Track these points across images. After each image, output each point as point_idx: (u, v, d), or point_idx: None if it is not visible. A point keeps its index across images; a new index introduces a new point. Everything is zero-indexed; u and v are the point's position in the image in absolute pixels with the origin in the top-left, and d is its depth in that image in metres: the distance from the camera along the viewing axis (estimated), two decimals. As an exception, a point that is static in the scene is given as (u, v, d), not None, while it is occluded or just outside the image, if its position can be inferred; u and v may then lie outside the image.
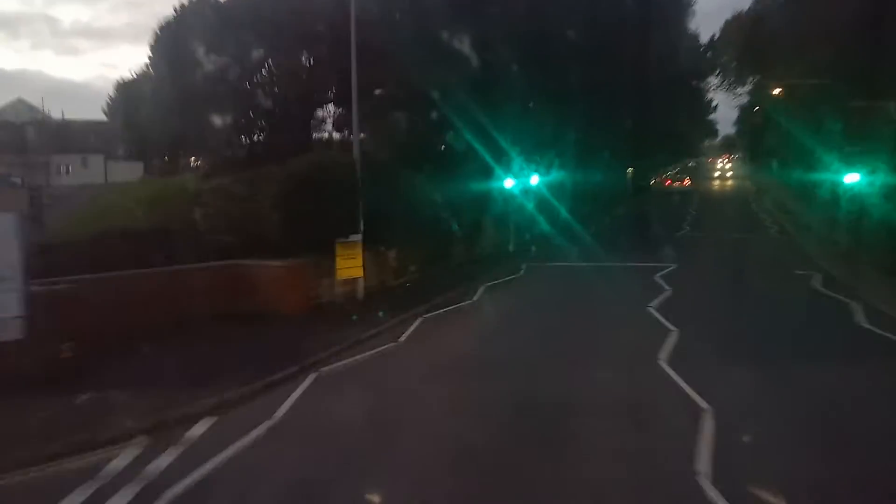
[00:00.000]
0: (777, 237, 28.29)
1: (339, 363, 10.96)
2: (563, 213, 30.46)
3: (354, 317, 13.96)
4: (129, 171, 43.92)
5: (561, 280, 19.16)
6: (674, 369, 9.84)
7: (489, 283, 18.17)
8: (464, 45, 27.27)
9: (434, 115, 24.34)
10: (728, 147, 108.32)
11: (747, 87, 65.63)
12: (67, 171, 51.09)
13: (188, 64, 19.98)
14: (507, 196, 25.75)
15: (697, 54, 59.29)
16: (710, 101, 69.89)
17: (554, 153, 30.12)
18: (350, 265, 15.77)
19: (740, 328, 13.17)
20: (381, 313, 14.32)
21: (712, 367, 10.24)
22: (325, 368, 10.64)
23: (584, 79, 31.35)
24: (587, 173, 35.68)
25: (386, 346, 12.03)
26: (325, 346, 11.66)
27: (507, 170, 25.05)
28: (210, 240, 15.48)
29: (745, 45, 52.22)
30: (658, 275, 18.74)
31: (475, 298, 16.44)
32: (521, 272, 20.46)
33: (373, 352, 11.68)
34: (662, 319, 13.44)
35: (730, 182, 71.98)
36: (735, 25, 55.31)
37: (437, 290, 16.80)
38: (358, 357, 11.34)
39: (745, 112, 76.38)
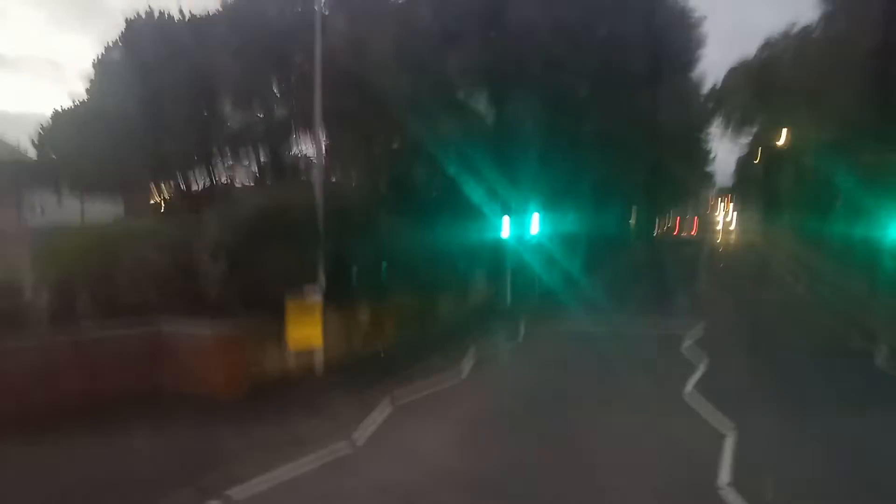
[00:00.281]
0: (811, 298, 25.17)
1: (262, 486, 7.65)
2: (567, 264, 27.42)
3: (299, 408, 10.68)
4: (111, 208, 40.84)
5: (568, 351, 15.80)
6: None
7: (482, 354, 14.91)
8: (463, 83, 24.92)
9: (426, 155, 21.67)
10: (725, 198, 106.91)
11: (749, 137, 64.17)
12: (42, 211, 48.10)
13: (134, 88, 17.13)
14: (505, 246, 22.73)
15: (699, 103, 57.44)
16: (709, 151, 68.62)
17: (557, 201, 27.28)
18: (305, 331, 12.53)
19: (812, 441, 9.87)
20: (340, 398, 11.07)
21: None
22: (238, 494, 7.35)
23: (590, 126, 29.17)
24: (590, 223, 32.83)
25: (338, 454, 8.73)
26: (244, 454, 8.40)
27: (504, 220, 22.09)
28: (130, 300, 12.26)
29: (752, 91, 50.46)
30: (684, 346, 15.55)
31: (463, 377, 13.15)
32: (521, 337, 17.18)
33: (318, 463, 8.40)
34: (708, 417, 10.23)
35: (732, 237, 69.11)
36: (741, 72, 53.65)
37: (417, 364, 13.53)
38: (294, 473, 8.04)
39: (743, 162, 74.78)
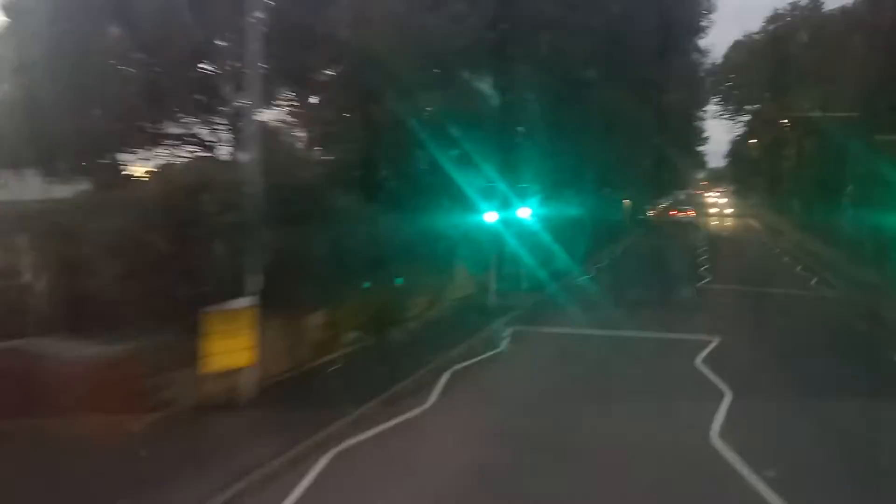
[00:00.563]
0: (830, 293, 22.48)
1: None
2: (559, 251, 24.80)
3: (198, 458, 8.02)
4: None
5: (559, 366, 13.18)
6: None
7: (456, 368, 12.29)
8: (455, 55, 22.15)
9: (408, 132, 18.88)
10: (716, 180, 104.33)
11: (748, 116, 61.51)
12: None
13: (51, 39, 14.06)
14: (492, 233, 20.07)
15: (698, 80, 54.57)
16: (702, 132, 66.16)
17: (550, 185, 24.56)
18: (229, 347, 9.81)
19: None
20: (263, 438, 8.42)
21: None
22: None
23: (589, 106, 26.57)
24: (585, 206, 30.18)
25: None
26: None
27: (491, 202, 19.38)
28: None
29: (757, 66, 47.79)
30: (699, 358, 13.01)
31: (431, 401, 10.53)
32: (504, 345, 14.54)
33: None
34: (747, 473, 7.68)
35: (730, 221, 66.39)
36: (745, 46, 50.95)
37: (377, 382, 10.89)
38: None
39: (738, 142, 72.08)
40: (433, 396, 10.76)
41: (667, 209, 71.75)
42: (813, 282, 24.70)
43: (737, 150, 74.90)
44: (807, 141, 42.49)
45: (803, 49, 43.13)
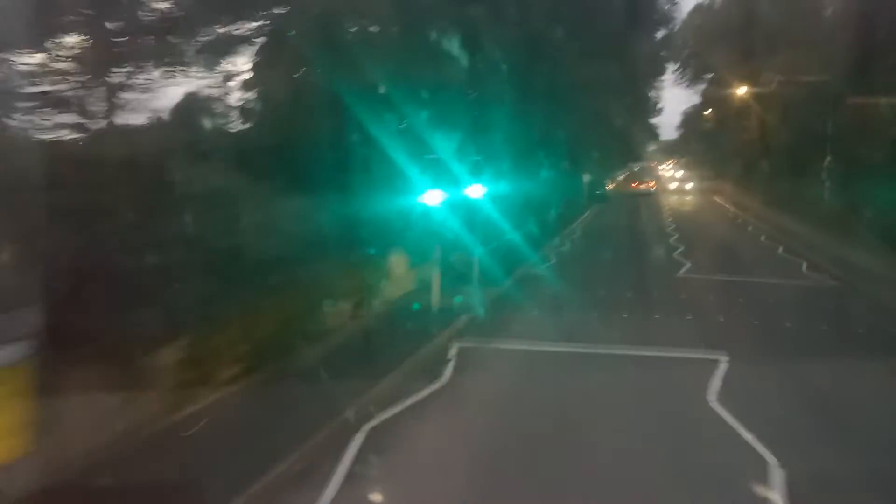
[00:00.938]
0: (832, 284, 19.26)
1: None
2: (515, 235, 21.18)
3: None
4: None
5: (521, 412, 9.31)
6: None
7: (375, 424, 8.44)
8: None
9: (323, 95, 14.80)
10: (669, 152, 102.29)
11: (706, 84, 58.69)
12: None
13: None
14: (434, 217, 16.22)
15: (655, 46, 51.32)
16: (656, 102, 63.43)
17: (505, 157, 20.83)
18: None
19: None
20: None
21: None
22: None
23: (550, 69, 24.12)
24: (543, 182, 26.69)
25: None
26: None
27: (437, 180, 15.49)
28: None
29: (718, 31, 44.87)
30: (712, 395, 9.50)
31: (329, 499, 6.69)
32: (447, 374, 10.67)
33: None
34: None
35: (690, 197, 63.76)
36: (704, 10, 47.88)
37: (248, 459, 7.00)
38: None
39: (692, 113, 69.43)
40: (334, 485, 6.90)
41: (626, 181, 69.21)
42: (804, 268, 21.50)
43: (691, 121, 72.51)
44: (771, 111, 39.84)
45: (767, 10, 40.36)
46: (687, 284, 18.69)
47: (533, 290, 17.02)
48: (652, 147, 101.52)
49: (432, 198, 14.89)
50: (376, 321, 13.45)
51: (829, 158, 28.39)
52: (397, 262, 15.86)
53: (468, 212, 17.47)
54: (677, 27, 51.40)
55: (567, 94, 27.83)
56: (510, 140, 21.02)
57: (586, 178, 48.39)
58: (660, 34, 49.61)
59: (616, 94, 37.13)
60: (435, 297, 14.76)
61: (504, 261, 17.95)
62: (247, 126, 13.47)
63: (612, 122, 43.04)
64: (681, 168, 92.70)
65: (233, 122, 13.12)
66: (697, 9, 49.70)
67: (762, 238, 29.31)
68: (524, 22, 21.93)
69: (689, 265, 21.49)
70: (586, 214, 39.50)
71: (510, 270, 18.16)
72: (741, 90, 45.15)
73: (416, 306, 14.56)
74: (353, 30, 14.98)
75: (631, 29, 33.40)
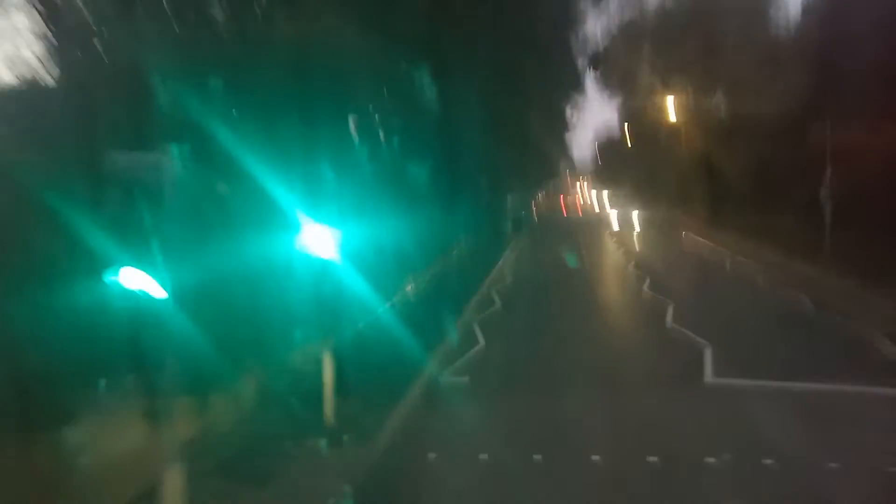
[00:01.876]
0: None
1: None
2: (407, 298, 15.34)
3: None
4: None
5: None
6: None
7: None
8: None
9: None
10: (584, 172, 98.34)
11: (638, 101, 55.25)
12: None
13: None
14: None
15: (572, 63, 47.45)
16: (570, 119, 59.81)
17: (395, 200, 14.61)
18: None
19: None
20: None
21: None
22: None
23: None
24: (451, 221, 20.99)
25: None
26: None
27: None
28: None
29: (647, 46, 41.72)
30: None
31: None
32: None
33: None
34: None
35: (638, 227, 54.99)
36: (630, 26, 44.46)
37: None
38: None
39: (612, 134, 65.91)
40: None
41: (550, 208, 64.17)
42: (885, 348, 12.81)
43: (609, 145, 68.88)
44: (705, 133, 36.58)
45: (699, 21, 37.44)
46: (731, 418, 10.00)
47: (455, 387, 10.66)
48: (569, 167, 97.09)
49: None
50: (216, 464, 7.12)
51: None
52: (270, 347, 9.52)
53: (343, 268, 11.21)
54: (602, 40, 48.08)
55: (476, 125, 22.35)
56: (403, 181, 15.14)
57: (510, 205, 43.70)
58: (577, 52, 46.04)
59: (532, 116, 34.05)
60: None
61: (383, 360, 11.42)
62: None
63: (531, 146, 39.70)
64: (599, 191, 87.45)
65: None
66: (626, 22, 46.27)
67: (780, 292, 20.28)
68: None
69: (712, 367, 12.31)
70: (516, 249, 33.42)
71: (398, 381, 11.26)
72: (667, 109, 42.31)
73: (303, 420, 8.29)
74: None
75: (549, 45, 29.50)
